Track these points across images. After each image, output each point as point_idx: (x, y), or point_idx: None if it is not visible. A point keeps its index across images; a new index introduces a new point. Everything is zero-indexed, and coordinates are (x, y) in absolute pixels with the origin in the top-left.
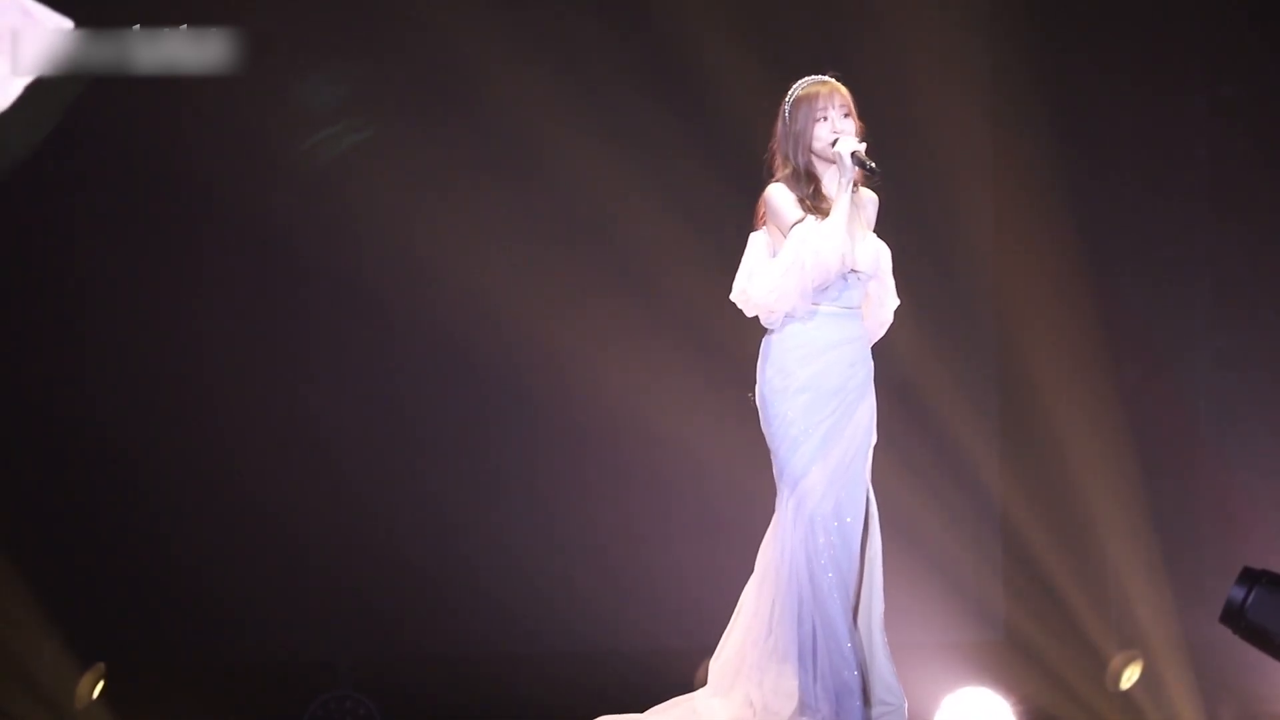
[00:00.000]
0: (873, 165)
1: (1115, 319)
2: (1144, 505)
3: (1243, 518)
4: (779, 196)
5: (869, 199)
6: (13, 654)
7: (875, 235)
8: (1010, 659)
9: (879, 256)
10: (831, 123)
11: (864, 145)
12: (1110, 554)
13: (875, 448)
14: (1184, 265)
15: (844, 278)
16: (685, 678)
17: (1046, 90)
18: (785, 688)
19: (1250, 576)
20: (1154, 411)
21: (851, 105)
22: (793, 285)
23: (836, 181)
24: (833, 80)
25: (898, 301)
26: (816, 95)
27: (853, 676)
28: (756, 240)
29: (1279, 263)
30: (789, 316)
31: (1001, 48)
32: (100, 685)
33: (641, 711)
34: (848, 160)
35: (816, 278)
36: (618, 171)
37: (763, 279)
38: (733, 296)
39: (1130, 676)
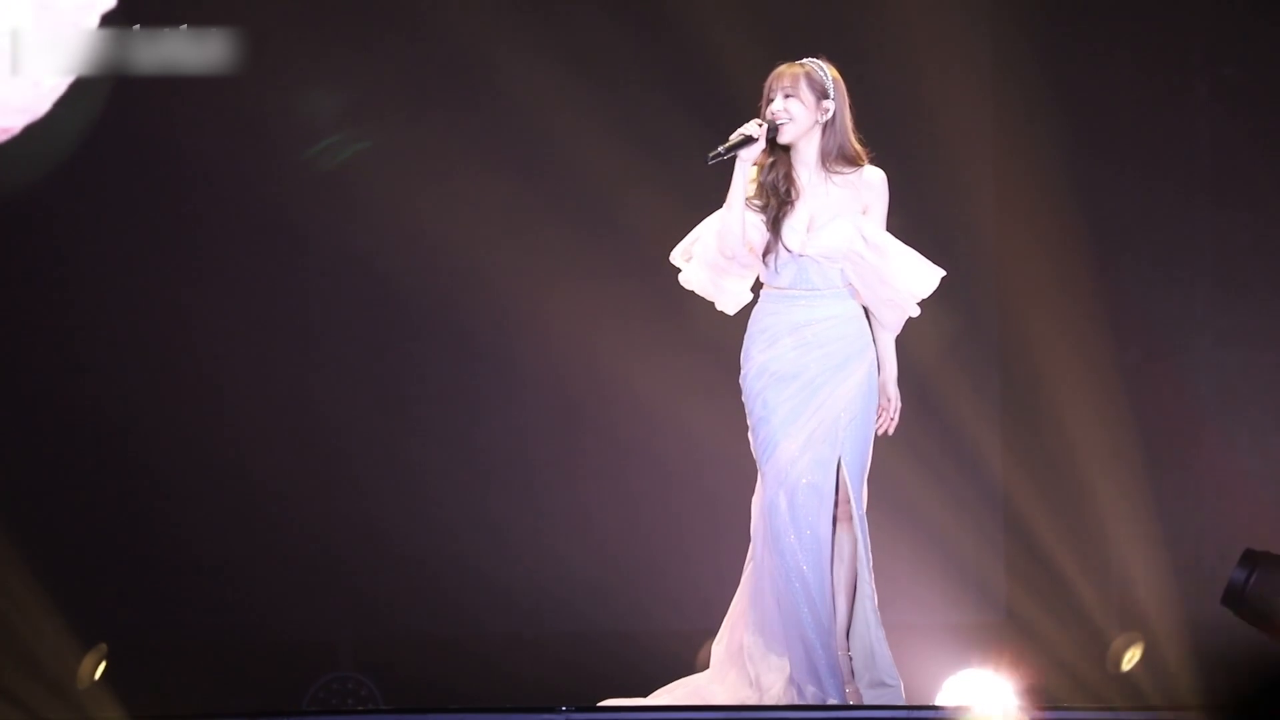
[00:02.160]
0: (717, 152)
1: (1117, 301)
2: (1145, 487)
3: (1244, 500)
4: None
5: (868, 179)
6: (15, 635)
7: (858, 219)
8: (1012, 640)
9: (845, 241)
10: (772, 105)
11: (756, 128)
12: (1111, 535)
13: (877, 430)
14: (1185, 247)
15: (799, 261)
16: (687, 659)
17: (1048, 73)
18: (776, 663)
19: (1252, 558)
20: (1155, 393)
21: (807, 84)
22: (697, 271)
23: (806, 163)
24: (801, 62)
25: (907, 290)
26: (770, 78)
27: (820, 661)
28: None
29: None
30: (758, 296)
31: (1003, 30)
32: (102, 666)
33: (644, 694)
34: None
35: (717, 259)
36: (620, 159)
37: (686, 265)
38: (682, 283)
39: (1131, 658)
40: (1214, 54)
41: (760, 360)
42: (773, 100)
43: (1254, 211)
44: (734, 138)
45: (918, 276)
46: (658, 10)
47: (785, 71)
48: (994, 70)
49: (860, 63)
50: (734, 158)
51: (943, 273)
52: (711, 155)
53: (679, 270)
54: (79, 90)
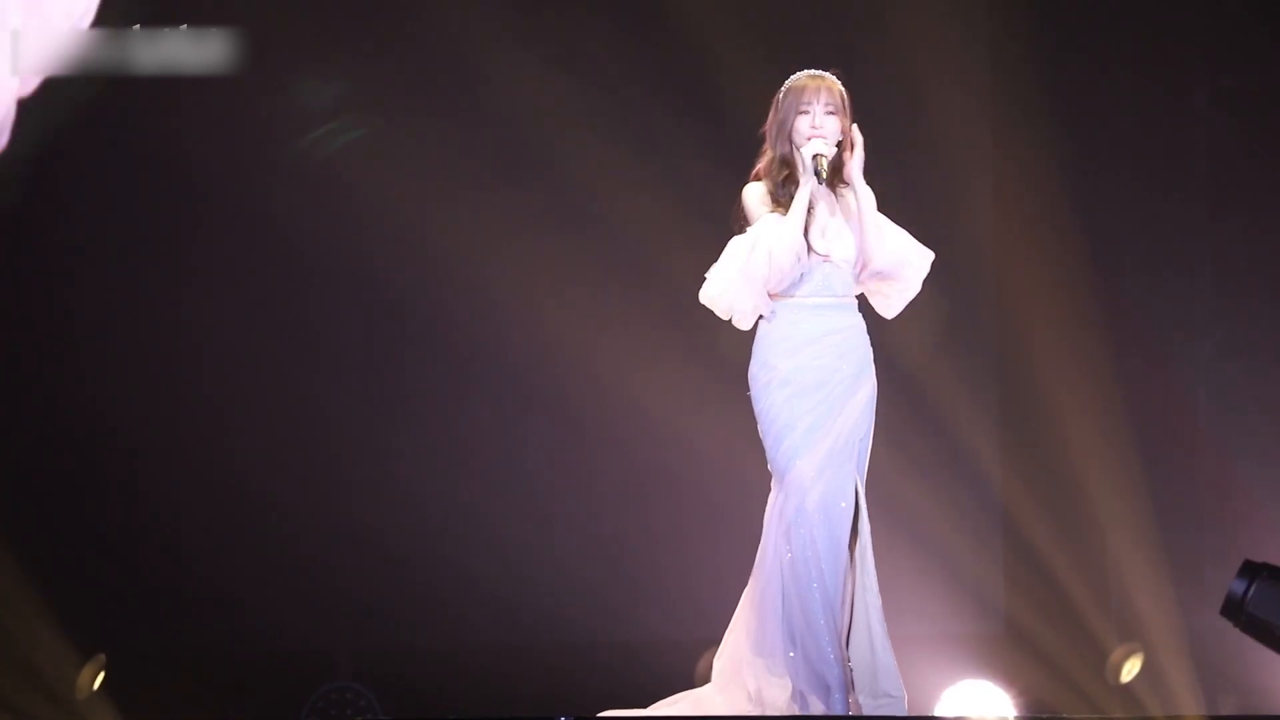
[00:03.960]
0: (819, 172)
1: (1116, 310)
2: (1145, 497)
3: (1243, 510)
4: (749, 198)
5: (859, 191)
6: (15, 645)
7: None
8: (1011, 651)
9: (855, 243)
10: (812, 117)
11: (832, 151)
12: (1111, 546)
13: (876, 439)
14: (1184, 256)
15: (824, 268)
16: (687, 670)
17: (1047, 82)
18: (778, 677)
19: (1251, 569)
20: (1154, 402)
21: (841, 103)
22: (745, 285)
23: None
24: (828, 76)
25: (904, 255)
26: (804, 88)
27: (830, 672)
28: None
29: (1278, 253)
30: (764, 313)
31: (1002, 40)
32: (101, 676)
33: (644, 705)
34: (808, 162)
35: (771, 275)
36: (620, 166)
37: (720, 280)
38: (701, 299)
39: (1131, 669)
40: (1212, 63)
41: (784, 370)
42: (809, 112)
43: (1253, 220)
44: (824, 164)
45: (915, 248)
46: (659, 18)
47: (823, 85)
48: (993, 80)
49: (859, 71)
50: (818, 171)
51: (932, 254)
52: (820, 176)
53: (685, 280)
54: (55, 92)
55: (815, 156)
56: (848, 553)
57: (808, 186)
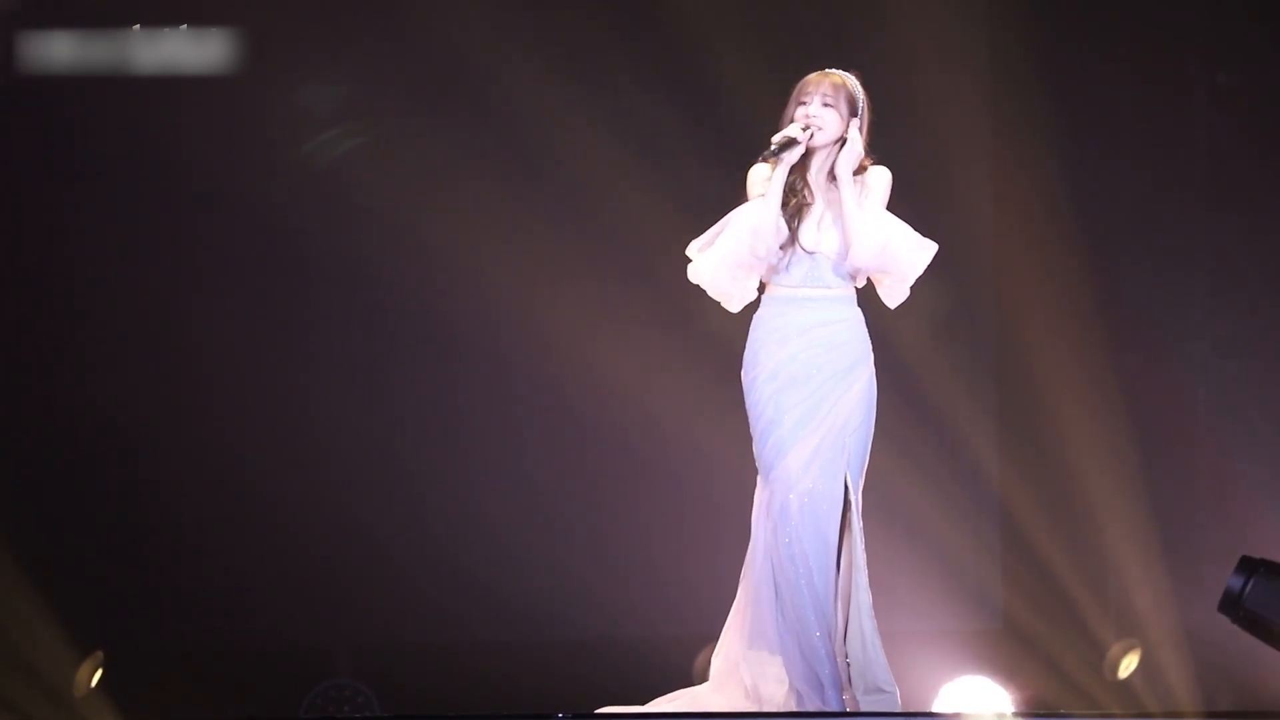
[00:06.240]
0: (771, 150)
1: (1114, 307)
2: (1142, 493)
3: (1241, 506)
4: (750, 178)
5: (870, 179)
6: (12, 642)
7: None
8: (1008, 647)
9: (858, 239)
10: (809, 108)
11: (801, 132)
12: (1109, 542)
13: (874, 435)
14: (1183, 253)
15: (812, 259)
16: (686, 666)
17: (1046, 78)
18: (774, 673)
19: (1248, 565)
20: (1152, 399)
21: (845, 99)
22: (723, 266)
23: (821, 169)
24: (836, 73)
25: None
26: (808, 82)
27: (823, 668)
28: None
29: (1277, 251)
30: (761, 300)
31: (1000, 35)
32: (99, 674)
33: (642, 702)
34: (773, 148)
35: (744, 257)
36: (621, 163)
37: (703, 261)
38: (690, 277)
39: (1129, 665)
40: (1212, 60)
41: (772, 364)
42: (807, 104)
43: (1251, 217)
44: (781, 138)
45: (906, 243)
46: (655, 12)
47: (826, 80)
48: (992, 78)
49: (858, 67)
50: (779, 159)
51: (933, 247)
52: (765, 154)
53: (686, 267)
54: None
55: (783, 139)
56: (837, 548)
57: (781, 170)
